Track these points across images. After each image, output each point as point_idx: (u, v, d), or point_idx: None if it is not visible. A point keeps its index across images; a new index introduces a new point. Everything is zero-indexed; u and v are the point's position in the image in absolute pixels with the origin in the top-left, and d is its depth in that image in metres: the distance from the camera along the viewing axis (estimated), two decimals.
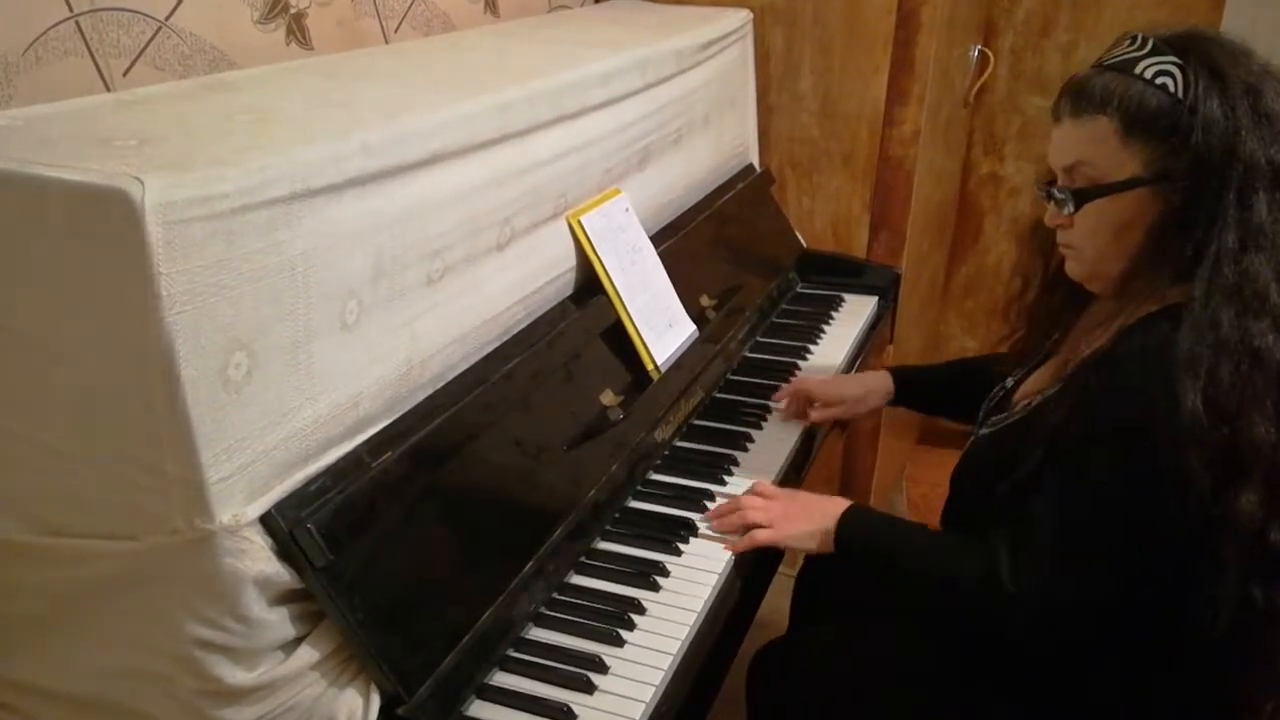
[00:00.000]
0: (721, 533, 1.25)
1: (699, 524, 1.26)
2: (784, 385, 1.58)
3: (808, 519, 1.23)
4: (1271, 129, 0.98)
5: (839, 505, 1.23)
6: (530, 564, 1.10)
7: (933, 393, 1.56)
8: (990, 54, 2.47)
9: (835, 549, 1.20)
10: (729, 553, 1.21)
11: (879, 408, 1.56)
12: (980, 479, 1.19)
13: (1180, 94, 1.00)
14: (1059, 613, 1.04)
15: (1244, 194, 0.97)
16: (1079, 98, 1.05)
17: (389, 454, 0.98)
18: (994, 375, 1.31)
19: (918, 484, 2.67)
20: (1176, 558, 0.99)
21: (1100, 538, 1.02)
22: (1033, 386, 1.21)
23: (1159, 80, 1.01)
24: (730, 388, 1.62)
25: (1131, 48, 1.04)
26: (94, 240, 0.75)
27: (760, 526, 1.23)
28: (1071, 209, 1.07)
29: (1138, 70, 1.02)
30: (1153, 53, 1.02)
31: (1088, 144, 1.05)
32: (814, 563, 1.57)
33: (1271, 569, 0.97)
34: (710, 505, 1.30)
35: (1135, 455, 0.98)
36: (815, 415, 1.52)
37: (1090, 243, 1.08)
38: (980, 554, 1.09)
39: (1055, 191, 1.09)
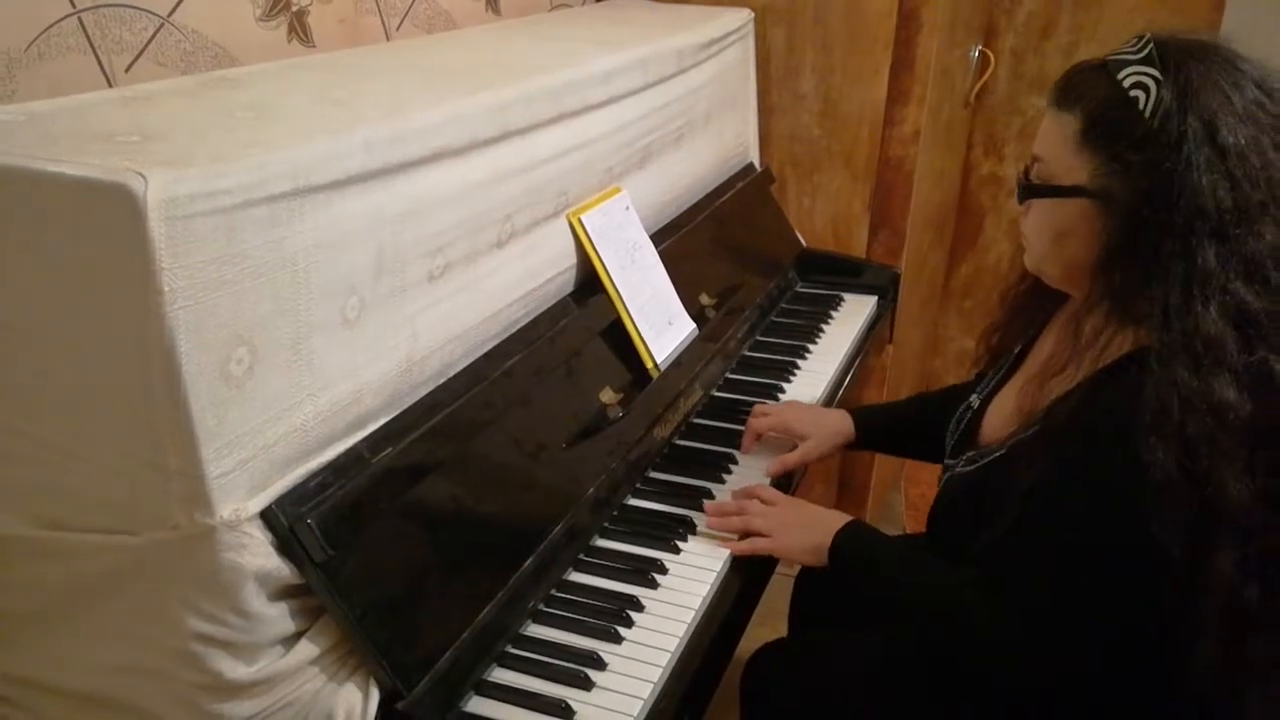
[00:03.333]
0: (717, 529, 1.25)
1: (698, 522, 1.26)
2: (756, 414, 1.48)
3: (806, 532, 1.21)
4: (1224, 166, 0.92)
5: (838, 520, 1.20)
6: (529, 561, 1.10)
7: (899, 435, 1.47)
8: (991, 55, 2.47)
9: (829, 565, 1.19)
10: (727, 550, 1.22)
11: (839, 449, 1.46)
12: (957, 523, 1.17)
13: (1149, 111, 0.95)
14: (1046, 672, 1.01)
15: (1188, 240, 0.92)
16: (1062, 89, 1.03)
17: (389, 450, 0.99)
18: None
19: (916, 484, 2.68)
20: (1153, 616, 0.96)
21: (1085, 599, 0.98)
22: (999, 418, 1.18)
23: (1133, 92, 0.96)
24: (729, 386, 1.62)
25: (1131, 49, 0.99)
26: (96, 235, 0.75)
27: (761, 534, 1.22)
28: (1019, 200, 1.07)
29: (1121, 75, 0.98)
30: (1144, 60, 0.97)
31: (1052, 139, 1.03)
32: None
33: (1245, 627, 0.94)
34: (709, 503, 1.30)
35: (1114, 518, 0.95)
36: (778, 465, 1.40)
37: (1034, 238, 1.08)
38: (968, 603, 1.06)
39: (1019, 178, 1.09)
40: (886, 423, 1.49)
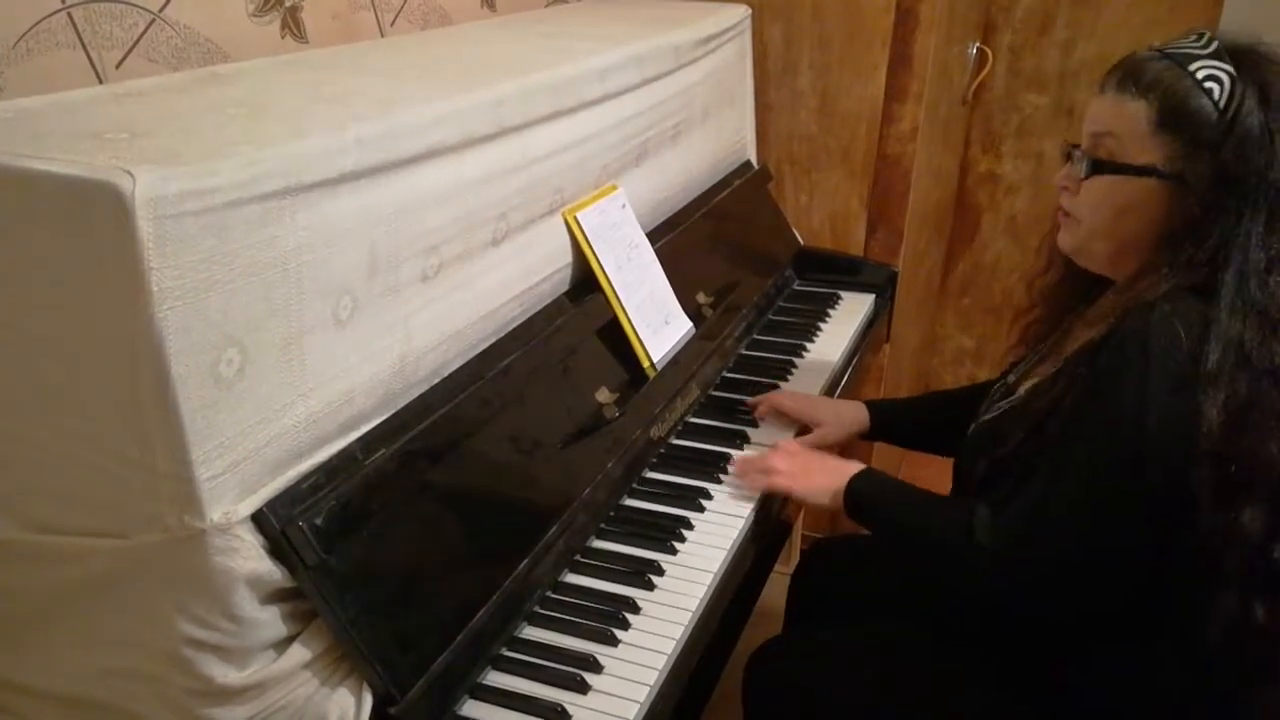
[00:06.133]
0: (742, 476, 1.33)
1: (695, 523, 1.26)
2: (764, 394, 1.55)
3: (825, 476, 1.27)
4: None
5: (855, 466, 1.27)
6: (524, 563, 1.09)
7: (913, 428, 1.52)
8: (989, 51, 2.46)
9: (845, 508, 1.24)
10: (723, 552, 1.20)
11: (852, 437, 1.51)
12: (974, 461, 1.21)
13: (1222, 104, 1.01)
14: (1021, 570, 1.05)
15: (1272, 218, 1.00)
16: (1129, 76, 1.07)
17: (382, 451, 0.98)
18: (980, 399, 1.31)
19: (917, 483, 2.67)
20: (1172, 564, 0.99)
21: (1075, 503, 1.02)
22: (1031, 378, 1.21)
23: (1207, 84, 1.02)
24: (726, 385, 1.61)
25: (1195, 44, 1.05)
26: (84, 234, 0.74)
27: (782, 476, 1.28)
28: (1084, 174, 1.10)
29: (1192, 68, 1.03)
30: (1213, 55, 1.03)
31: (1121, 120, 1.07)
32: (810, 563, 1.57)
33: (1276, 587, 0.97)
34: (706, 504, 1.30)
35: (1127, 432, 0.99)
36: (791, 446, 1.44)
37: (1089, 215, 1.11)
38: (961, 511, 1.12)
39: (1075, 152, 1.12)
40: (901, 414, 1.54)
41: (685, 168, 1.75)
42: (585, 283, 1.39)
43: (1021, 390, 1.19)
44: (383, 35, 1.58)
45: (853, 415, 1.49)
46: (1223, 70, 1.02)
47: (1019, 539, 1.06)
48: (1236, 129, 1.00)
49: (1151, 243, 1.07)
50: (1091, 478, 1.01)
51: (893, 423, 1.51)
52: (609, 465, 1.27)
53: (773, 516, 1.34)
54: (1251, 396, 0.95)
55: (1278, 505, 0.96)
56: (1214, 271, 1.00)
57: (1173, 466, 0.96)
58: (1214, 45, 1.04)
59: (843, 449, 1.46)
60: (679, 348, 1.50)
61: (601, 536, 1.23)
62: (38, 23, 1.06)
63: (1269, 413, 0.96)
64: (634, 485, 1.33)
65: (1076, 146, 1.12)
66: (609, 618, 1.09)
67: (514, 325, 1.24)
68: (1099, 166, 1.09)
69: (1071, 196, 1.13)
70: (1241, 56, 1.03)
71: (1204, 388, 0.95)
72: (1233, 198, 1.00)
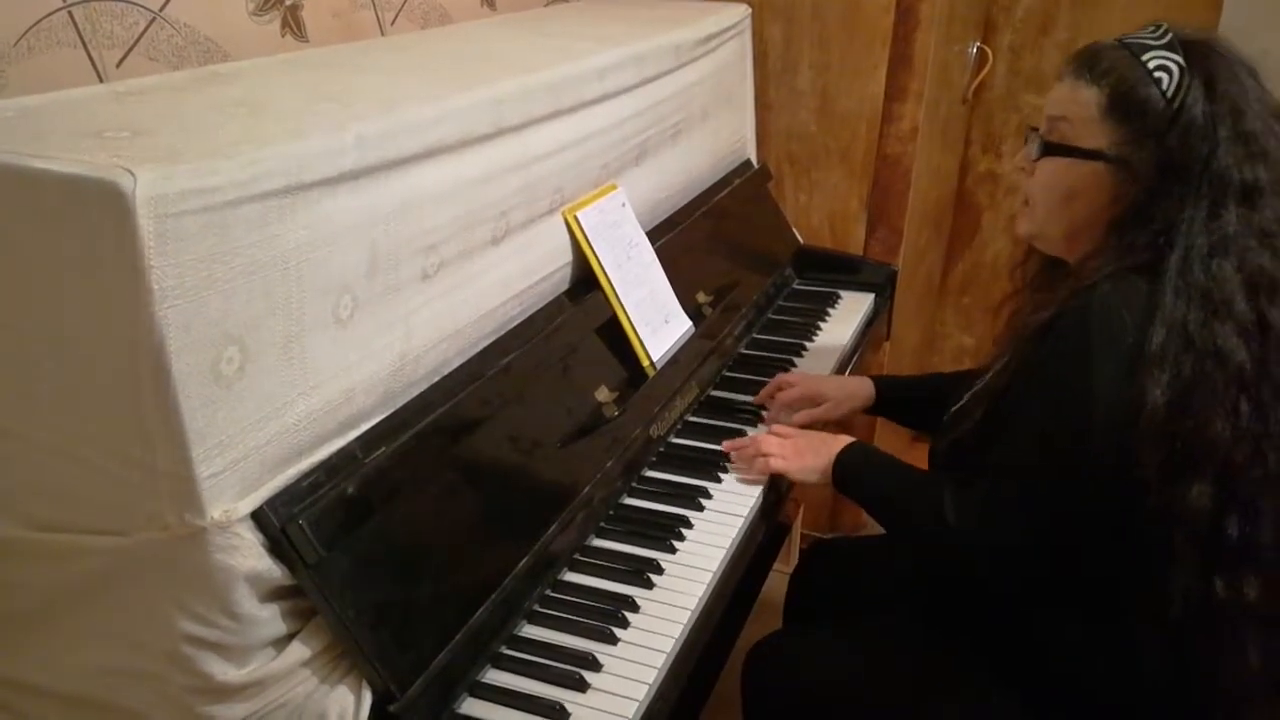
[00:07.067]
0: (738, 466, 1.35)
1: (694, 521, 1.26)
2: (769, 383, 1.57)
3: (814, 454, 1.30)
4: (1247, 148, 1.02)
5: (842, 442, 1.30)
6: (524, 561, 1.09)
7: (913, 405, 1.54)
8: (989, 51, 2.46)
9: (833, 481, 1.27)
10: (722, 551, 1.21)
11: (857, 411, 1.54)
12: (940, 445, 1.24)
13: (1170, 93, 1.04)
14: (985, 545, 1.10)
15: (1215, 205, 1.02)
16: (1085, 63, 1.11)
17: (382, 449, 0.98)
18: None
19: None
20: (1134, 540, 1.01)
21: (1028, 483, 1.06)
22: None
23: (1156, 74, 1.05)
24: (726, 384, 1.61)
25: (1152, 35, 1.09)
26: (85, 233, 0.74)
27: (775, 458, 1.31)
28: (1035, 155, 1.14)
29: (1144, 57, 1.07)
30: (1165, 46, 1.07)
31: (1074, 105, 1.11)
32: (809, 562, 1.57)
33: (1233, 561, 0.99)
34: (706, 503, 1.30)
35: (1073, 410, 1.02)
36: (799, 417, 1.48)
37: (1042, 197, 1.15)
38: (934, 489, 1.15)
39: (1032, 135, 1.16)
40: (905, 390, 1.56)
41: (685, 167, 1.75)
42: (585, 281, 1.39)
43: (988, 375, 1.21)
44: (383, 34, 1.58)
45: (856, 388, 1.53)
46: (1173, 61, 1.05)
47: (981, 516, 1.09)
48: (1181, 118, 1.03)
49: (1101, 227, 1.10)
50: (1041, 456, 1.05)
51: (896, 399, 1.54)
52: (608, 464, 1.28)
53: (772, 515, 1.34)
54: (1195, 378, 0.97)
55: (1224, 482, 0.98)
56: (1158, 254, 1.02)
57: (1119, 443, 0.98)
58: (1168, 37, 1.07)
59: (844, 426, 1.47)
60: (678, 346, 1.51)
61: (601, 535, 1.23)
62: (39, 21, 1.06)
63: (1212, 393, 0.98)
64: (633, 484, 1.33)
65: (1035, 129, 1.16)
66: (609, 616, 1.09)
67: (514, 324, 1.24)
68: (1049, 147, 1.12)
69: (1028, 178, 1.17)
70: (1192, 49, 1.06)
71: (1149, 368, 0.98)
72: (1177, 184, 1.03)
